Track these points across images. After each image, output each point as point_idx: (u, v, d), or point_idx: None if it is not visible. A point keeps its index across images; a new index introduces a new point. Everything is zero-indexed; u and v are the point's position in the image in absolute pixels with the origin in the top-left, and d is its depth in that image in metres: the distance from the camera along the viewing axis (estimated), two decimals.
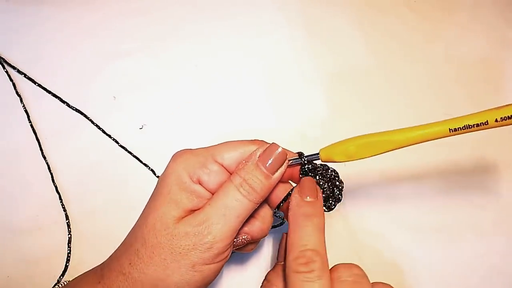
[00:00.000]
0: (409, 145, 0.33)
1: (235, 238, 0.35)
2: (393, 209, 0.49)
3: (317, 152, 0.35)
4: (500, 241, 0.48)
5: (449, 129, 0.32)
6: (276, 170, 0.34)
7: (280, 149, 0.34)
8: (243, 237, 0.36)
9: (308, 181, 0.35)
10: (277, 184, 0.36)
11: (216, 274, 0.33)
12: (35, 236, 0.46)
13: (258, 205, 0.34)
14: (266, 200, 0.37)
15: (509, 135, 0.52)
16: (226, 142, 0.35)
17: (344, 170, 0.50)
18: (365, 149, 0.33)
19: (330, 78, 0.54)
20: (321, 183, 0.35)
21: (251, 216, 0.37)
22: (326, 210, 0.35)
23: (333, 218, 0.48)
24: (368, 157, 0.33)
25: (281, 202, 0.36)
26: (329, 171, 0.36)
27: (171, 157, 0.35)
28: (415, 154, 0.51)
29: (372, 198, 0.49)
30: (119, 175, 0.49)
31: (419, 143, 0.33)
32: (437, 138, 0.32)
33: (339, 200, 0.36)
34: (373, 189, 0.50)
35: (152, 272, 0.31)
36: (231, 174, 0.34)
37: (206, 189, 0.34)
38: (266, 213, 0.37)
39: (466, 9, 0.58)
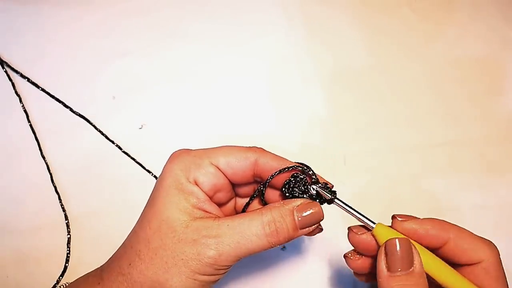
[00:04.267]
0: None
1: None
2: (393, 208, 0.49)
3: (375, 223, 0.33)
4: (500, 241, 0.48)
5: None
6: (306, 227, 0.33)
7: (319, 210, 0.33)
8: None
9: (395, 244, 0.30)
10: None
11: (216, 282, 0.33)
12: (35, 236, 0.46)
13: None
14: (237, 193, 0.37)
15: (510, 135, 0.52)
16: (224, 146, 0.35)
17: (343, 170, 0.50)
18: None
19: (330, 78, 0.54)
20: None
21: None
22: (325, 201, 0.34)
23: (330, 219, 0.47)
24: None
25: (247, 203, 0.36)
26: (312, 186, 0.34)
27: (168, 157, 0.35)
28: (418, 153, 0.51)
29: (372, 198, 0.49)
30: (118, 175, 0.49)
31: None
32: None
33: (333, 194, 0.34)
34: (373, 189, 0.49)
35: (152, 274, 0.31)
36: (226, 177, 0.34)
37: (202, 190, 0.34)
38: None
39: (466, 9, 0.58)
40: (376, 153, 0.51)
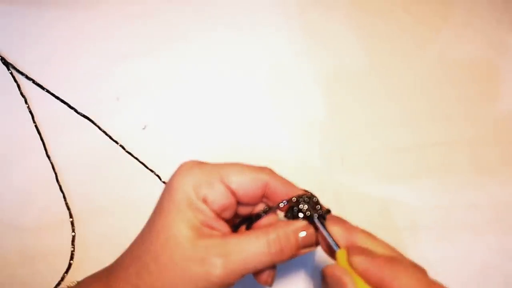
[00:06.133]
0: None
1: None
2: (390, 208, 0.50)
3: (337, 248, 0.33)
4: (494, 240, 0.49)
5: None
6: (307, 247, 0.34)
7: (326, 233, 0.34)
8: None
9: (325, 274, 0.32)
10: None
11: None
12: (40, 234, 0.47)
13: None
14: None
15: (503, 137, 0.53)
16: (236, 164, 0.35)
17: (341, 170, 0.51)
18: None
19: (328, 81, 0.55)
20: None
21: None
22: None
23: None
24: None
25: (240, 223, 0.36)
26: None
27: (178, 167, 0.34)
28: (413, 153, 0.52)
29: (369, 197, 0.50)
30: (123, 174, 0.50)
31: None
32: None
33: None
34: (370, 188, 0.50)
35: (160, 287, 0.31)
36: (235, 197, 0.34)
37: (210, 208, 0.33)
38: None
39: (461, 12, 0.59)
40: (373, 154, 0.52)
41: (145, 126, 0.52)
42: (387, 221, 0.49)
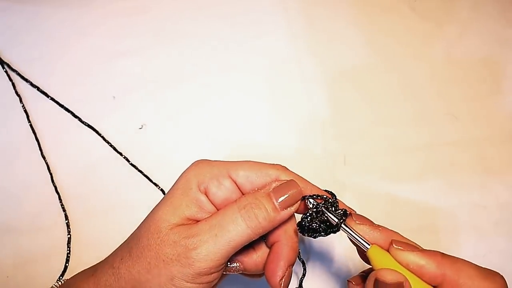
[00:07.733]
0: None
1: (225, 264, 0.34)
2: (393, 209, 0.49)
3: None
4: (500, 241, 0.48)
5: None
6: (287, 207, 0.32)
7: (298, 189, 0.33)
8: (235, 265, 0.34)
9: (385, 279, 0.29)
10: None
11: None
12: (35, 236, 0.46)
13: (256, 237, 0.31)
14: (264, 238, 0.34)
15: (510, 135, 0.52)
16: (247, 161, 0.34)
17: (343, 170, 0.50)
18: None
19: (330, 78, 0.54)
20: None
21: (250, 247, 0.35)
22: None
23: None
24: None
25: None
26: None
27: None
28: (416, 154, 0.51)
29: (372, 198, 0.49)
30: (119, 175, 0.49)
31: None
32: None
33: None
34: (373, 189, 0.50)
35: (135, 273, 0.31)
36: (242, 194, 0.34)
37: (212, 203, 0.33)
38: (265, 248, 0.35)
39: (466, 9, 0.58)
40: (376, 153, 0.51)
41: (142, 126, 0.51)
42: (392, 222, 0.48)
